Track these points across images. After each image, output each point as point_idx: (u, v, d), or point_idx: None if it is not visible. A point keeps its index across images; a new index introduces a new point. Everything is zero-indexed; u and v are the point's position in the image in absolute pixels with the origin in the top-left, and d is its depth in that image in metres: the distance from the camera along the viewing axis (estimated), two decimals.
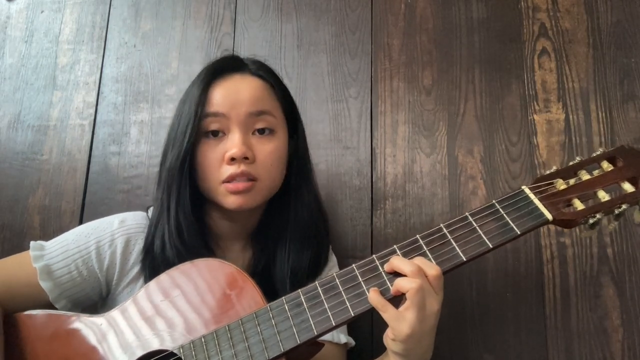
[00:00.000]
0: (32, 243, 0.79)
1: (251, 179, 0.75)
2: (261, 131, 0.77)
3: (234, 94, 0.76)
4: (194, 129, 0.74)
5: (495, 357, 0.94)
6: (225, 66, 0.80)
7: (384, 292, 0.62)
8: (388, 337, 0.63)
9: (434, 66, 1.10)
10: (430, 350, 0.65)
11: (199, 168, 0.76)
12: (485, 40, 1.09)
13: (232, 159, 0.74)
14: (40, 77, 1.29)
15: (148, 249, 0.77)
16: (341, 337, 0.82)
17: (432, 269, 0.61)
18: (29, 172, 1.22)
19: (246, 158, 0.74)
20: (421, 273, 0.60)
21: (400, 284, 0.61)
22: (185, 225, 0.75)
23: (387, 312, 0.61)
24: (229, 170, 0.74)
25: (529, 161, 1.01)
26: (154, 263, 0.75)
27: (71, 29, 1.30)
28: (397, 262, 0.63)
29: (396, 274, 0.63)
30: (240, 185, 0.74)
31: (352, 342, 0.86)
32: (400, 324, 0.60)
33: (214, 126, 0.75)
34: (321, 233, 0.85)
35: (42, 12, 1.34)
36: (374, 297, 0.62)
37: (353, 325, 0.93)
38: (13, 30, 1.34)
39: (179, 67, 1.22)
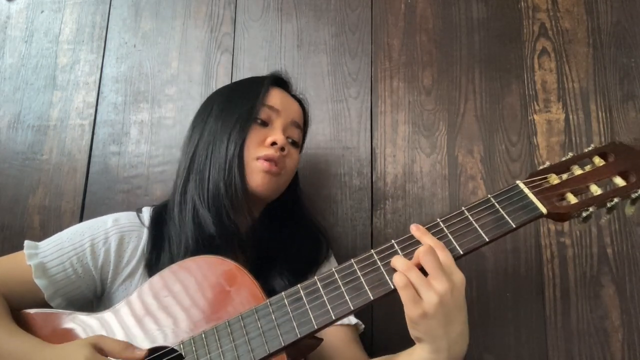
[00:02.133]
0: (26, 242, 0.80)
1: (281, 167, 0.84)
2: (292, 140, 0.88)
3: (289, 102, 0.90)
4: (255, 113, 0.84)
5: (495, 357, 0.94)
6: (285, 82, 0.93)
7: (382, 285, 0.63)
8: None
9: (434, 66, 1.10)
10: (460, 340, 0.63)
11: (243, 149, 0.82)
12: (485, 40, 1.09)
13: (273, 144, 0.83)
14: (40, 77, 1.29)
15: (217, 217, 0.79)
16: (350, 318, 0.84)
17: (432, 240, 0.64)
18: (29, 172, 1.22)
19: (283, 149, 0.83)
20: (410, 268, 0.61)
21: (394, 279, 0.63)
22: (243, 193, 0.80)
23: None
24: (268, 151, 0.82)
25: (529, 161, 1.01)
26: (198, 243, 0.78)
27: (71, 29, 1.31)
28: (394, 260, 0.64)
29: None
30: (273, 166, 0.82)
31: (362, 325, 0.87)
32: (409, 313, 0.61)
33: (265, 115, 0.85)
34: (322, 242, 0.91)
35: (42, 12, 1.34)
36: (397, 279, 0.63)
37: None
38: (13, 30, 1.34)
39: (179, 67, 1.22)
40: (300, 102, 0.94)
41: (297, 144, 0.90)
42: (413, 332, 0.63)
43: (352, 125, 1.10)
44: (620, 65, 1.02)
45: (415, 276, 0.61)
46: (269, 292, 0.69)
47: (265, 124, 0.85)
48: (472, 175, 1.03)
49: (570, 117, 1.02)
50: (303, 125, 0.94)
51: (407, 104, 1.09)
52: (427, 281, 0.60)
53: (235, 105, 0.86)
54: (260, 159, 0.81)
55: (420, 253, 0.62)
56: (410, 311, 0.60)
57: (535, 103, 1.04)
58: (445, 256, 0.62)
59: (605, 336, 0.91)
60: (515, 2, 1.10)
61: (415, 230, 0.66)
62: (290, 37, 1.18)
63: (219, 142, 0.82)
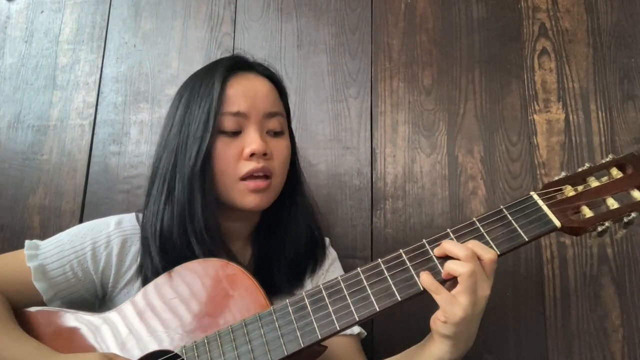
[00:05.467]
0: (27, 242, 0.78)
1: (268, 176, 0.76)
2: (273, 132, 0.79)
3: (252, 93, 0.77)
4: (215, 127, 0.74)
5: (495, 357, 0.94)
6: (237, 65, 0.80)
7: (390, 297, 0.62)
8: (438, 320, 0.62)
9: (434, 66, 1.10)
10: (475, 334, 0.65)
11: (215, 165, 0.75)
12: (485, 40, 1.09)
13: (252, 155, 0.74)
14: (40, 77, 1.29)
15: (165, 249, 0.74)
16: (353, 328, 0.82)
17: (488, 252, 0.62)
18: (29, 172, 1.22)
19: (265, 154, 0.75)
20: (475, 257, 0.61)
21: (452, 267, 0.61)
22: (213, 222, 0.75)
23: (441, 294, 0.60)
24: (249, 165, 0.74)
25: (529, 161, 1.01)
26: (172, 261, 0.73)
27: (71, 29, 1.31)
28: (449, 245, 0.62)
29: (399, 273, 0.63)
30: (260, 183, 0.75)
31: (364, 332, 0.86)
32: (454, 307, 0.59)
33: (232, 125, 0.75)
34: (313, 229, 0.87)
35: (42, 12, 1.34)
36: (426, 279, 0.61)
37: None
38: (13, 30, 1.34)
39: (179, 67, 1.22)
40: (269, 77, 0.82)
41: (281, 132, 0.80)
42: (444, 332, 0.62)
43: (352, 125, 1.10)
44: (620, 65, 1.02)
45: (477, 266, 0.60)
46: (270, 292, 0.68)
47: (236, 132, 0.76)
48: (472, 175, 1.03)
49: (570, 117, 1.02)
50: (279, 95, 0.82)
51: (407, 104, 1.09)
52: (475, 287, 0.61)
53: (193, 118, 0.75)
54: (244, 180, 0.74)
55: (466, 259, 0.61)
56: (454, 315, 0.60)
57: (535, 103, 1.04)
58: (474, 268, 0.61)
59: (605, 336, 0.91)
60: (515, 2, 1.09)
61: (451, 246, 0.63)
62: (290, 37, 1.18)
63: (179, 171, 0.74)
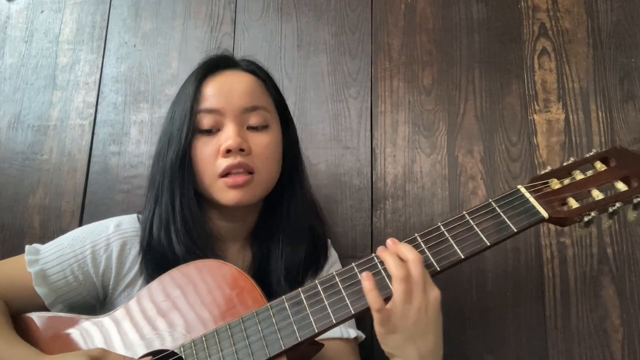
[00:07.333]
0: (27, 247, 0.79)
1: (250, 171, 0.75)
2: (255, 127, 0.78)
3: (227, 89, 0.77)
4: (190, 126, 0.75)
5: (495, 357, 0.94)
6: (218, 63, 0.81)
7: (384, 289, 0.63)
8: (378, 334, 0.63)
9: (434, 66, 1.10)
10: (433, 357, 0.63)
11: (196, 165, 0.76)
12: (485, 40, 1.09)
13: (228, 151, 0.74)
14: (40, 77, 1.29)
15: (152, 249, 0.76)
16: (350, 332, 0.82)
17: (411, 253, 0.62)
18: (29, 172, 1.22)
19: (242, 150, 0.74)
20: (404, 266, 0.61)
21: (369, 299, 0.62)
22: (192, 221, 0.75)
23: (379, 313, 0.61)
24: (226, 162, 0.74)
25: (529, 161, 1.01)
26: (159, 262, 0.74)
27: (71, 29, 1.31)
28: (384, 253, 0.64)
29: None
30: (239, 179, 0.74)
31: (362, 335, 0.85)
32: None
33: (208, 123, 0.75)
34: (316, 229, 0.86)
35: (42, 12, 1.34)
36: (367, 285, 0.62)
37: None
38: (13, 30, 1.34)
39: (179, 67, 1.22)
40: (252, 72, 0.81)
41: (265, 125, 0.78)
42: (384, 347, 0.63)
43: (352, 125, 1.10)
44: (620, 65, 1.02)
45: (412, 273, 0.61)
46: (270, 294, 0.68)
47: (214, 130, 0.76)
48: (472, 175, 1.03)
49: (570, 117, 1.02)
50: (265, 88, 0.81)
51: (407, 104, 1.09)
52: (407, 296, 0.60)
53: (174, 121, 0.77)
54: (223, 177, 0.74)
55: (392, 269, 0.61)
56: (378, 327, 0.61)
57: (535, 103, 1.04)
58: (421, 272, 0.61)
59: (605, 336, 0.91)
60: (515, 2, 1.09)
61: (392, 244, 0.65)
62: (290, 37, 1.18)
63: (164, 173, 0.76)
